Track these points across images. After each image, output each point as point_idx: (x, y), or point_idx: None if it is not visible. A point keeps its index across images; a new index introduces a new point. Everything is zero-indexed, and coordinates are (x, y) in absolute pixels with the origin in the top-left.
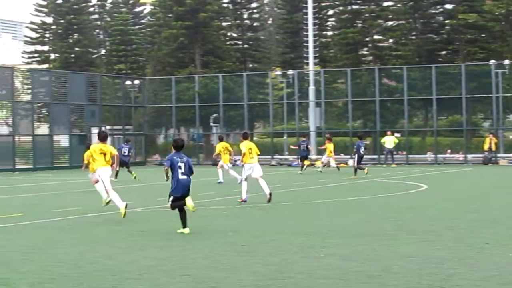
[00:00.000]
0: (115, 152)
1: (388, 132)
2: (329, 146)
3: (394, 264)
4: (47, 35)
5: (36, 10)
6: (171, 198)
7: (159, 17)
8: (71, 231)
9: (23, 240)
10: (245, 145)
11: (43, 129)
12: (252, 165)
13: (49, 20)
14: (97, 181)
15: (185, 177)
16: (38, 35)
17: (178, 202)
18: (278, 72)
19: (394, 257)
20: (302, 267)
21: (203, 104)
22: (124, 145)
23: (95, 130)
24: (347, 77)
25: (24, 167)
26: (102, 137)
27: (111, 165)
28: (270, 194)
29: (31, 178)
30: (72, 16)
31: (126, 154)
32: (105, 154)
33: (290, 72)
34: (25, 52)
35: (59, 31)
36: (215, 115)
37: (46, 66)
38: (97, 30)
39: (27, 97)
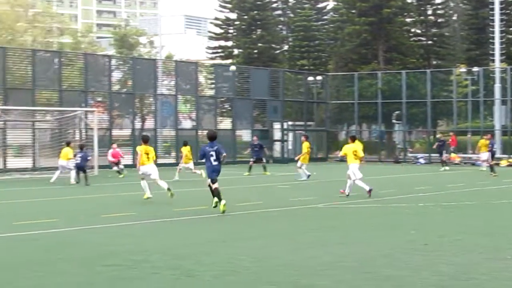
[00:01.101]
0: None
1: None
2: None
3: None
4: (230, 31)
5: (220, 6)
6: (208, 180)
7: (342, 13)
8: (253, 225)
9: (206, 233)
10: (348, 148)
11: (225, 123)
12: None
13: (233, 16)
14: (143, 178)
15: (216, 163)
16: (222, 31)
17: (212, 187)
18: (463, 69)
19: None
20: (487, 268)
21: (385, 100)
22: (78, 152)
23: (277, 126)
24: None
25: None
26: (145, 140)
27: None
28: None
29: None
30: (255, 12)
31: (79, 161)
32: (148, 154)
33: (475, 69)
34: (209, 48)
35: (243, 26)
36: (397, 112)
37: (229, 61)
38: (280, 26)
39: (211, 92)
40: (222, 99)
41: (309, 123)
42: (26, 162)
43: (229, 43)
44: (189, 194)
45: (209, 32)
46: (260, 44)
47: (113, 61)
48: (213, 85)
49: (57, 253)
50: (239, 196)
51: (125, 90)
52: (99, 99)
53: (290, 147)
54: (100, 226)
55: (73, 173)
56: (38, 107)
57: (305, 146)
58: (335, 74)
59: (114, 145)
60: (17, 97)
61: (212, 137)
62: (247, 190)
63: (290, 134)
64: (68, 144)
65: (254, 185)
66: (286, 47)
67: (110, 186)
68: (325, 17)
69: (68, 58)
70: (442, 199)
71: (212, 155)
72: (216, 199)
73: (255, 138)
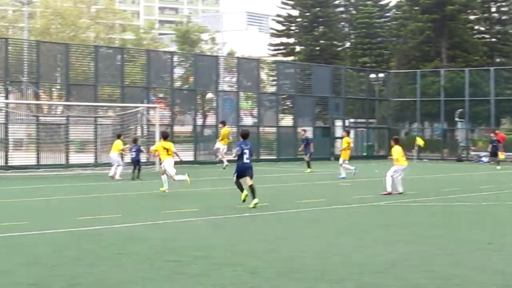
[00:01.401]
0: (174, 148)
1: None
2: None
3: None
4: (292, 28)
5: (283, 3)
6: (235, 175)
7: (405, 10)
8: (316, 222)
9: (269, 230)
10: (397, 151)
11: (287, 120)
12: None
13: (295, 13)
14: (164, 173)
15: (248, 161)
16: (284, 28)
17: (239, 181)
18: None
19: None
20: None
21: (448, 98)
22: (133, 146)
23: (338, 123)
24: None
25: (268, 157)
26: (165, 136)
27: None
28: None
29: (275, 168)
30: (317, 9)
31: (134, 155)
32: (167, 150)
33: None
34: (271, 45)
35: (305, 23)
36: (460, 110)
37: (291, 58)
38: (342, 23)
39: (272, 89)
40: (284, 96)
41: (370, 120)
42: (88, 157)
43: (291, 40)
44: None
45: (271, 29)
46: (322, 41)
47: (175, 58)
48: (274, 82)
49: (119, 248)
50: (301, 193)
51: (186, 86)
52: (161, 95)
53: (351, 144)
54: (162, 222)
55: (119, 169)
56: (100, 103)
57: (345, 141)
58: (397, 71)
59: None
60: (79, 93)
61: (245, 135)
62: (309, 187)
63: (352, 132)
64: (118, 136)
65: (315, 182)
66: (348, 44)
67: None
68: (388, 14)
69: (130, 55)
70: (506, 198)
71: (245, 153)
72: (245, 193)
73: (302, 132)
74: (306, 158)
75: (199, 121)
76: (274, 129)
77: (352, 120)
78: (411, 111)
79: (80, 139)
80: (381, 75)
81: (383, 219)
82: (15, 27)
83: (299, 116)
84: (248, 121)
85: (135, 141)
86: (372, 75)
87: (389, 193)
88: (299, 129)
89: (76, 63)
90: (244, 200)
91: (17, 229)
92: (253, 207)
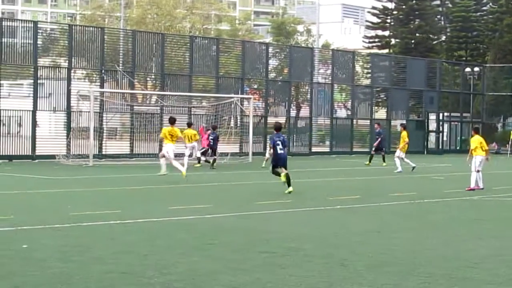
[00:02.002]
0: (180, 134)
1: None
2: None
3: None
4: (388, 21)
5: None
6: (271, 165)
7: (501, 4)
8: (407, 215)
9: (360, 222)
10: (475, 140)
11: (381, 113)
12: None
13: (391, 5)
14: (163, 156)
15: (282, 151)
16: (379, 20)
17: (275, 169)
18: None
19: None
20: None
21: None
22: (212, 133)
23: (432, 116)
24: None
25: (361, 150)
26: (172, 122)
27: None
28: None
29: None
30: (414, 1)
31: (212, 142)
32: (172, 135)
33: None
34: (366, 37)
35: (400, 16)
36: None
37: (386, 51)
38: (438, 16)
39: (367, 81)
40: (378, 89)
41: (465, 114)
42: (180, 147)
43: (386, 33)
44: (343, 183)
45: (367, 21)
46: (417, 34)
47: (270, 49)
48: (369, 75)
49: (211, 239)
50: (393, 186)
51: (281, 78)
52: (255, 86)
53: (445, 138)
54: (255, 213)
55: (186, 159)
56: (194, 93)
57: (404, 135)
58: (492, 65)
59: (210, 131)
60: (174, 83)
61: (278, 128)
62: (401, 180)
63: (445, 125)
64: (189, 125)
65: (407, 175)
66: (443, 38)
67: (262, 173)
68: (484, 8)
69: (225, 45)
70: None
71: (278, 144)
72: (283, 178)
73: (376, 125)
74: (373, 152)
75: (293, 113)
76: (367, 122)
77: (446, 113)
78: (506, 105)
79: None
80: (476, 69)
81: (475, 213)
82: (112, 17)
83: (393, 109)
84: (341, 113)
85: (214, 128)
86: (467, 69)
87: (472, 189)
88: (376, 125)
89: (171, 53)
90: (284, 182)
91: (110, 218)
92: (289, 193)
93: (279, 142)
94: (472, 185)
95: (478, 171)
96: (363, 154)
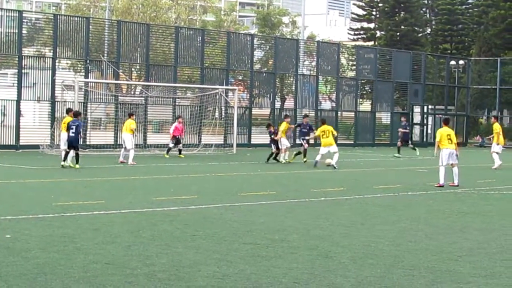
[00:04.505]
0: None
1: None
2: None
3: None
4: (373, 13)
5: None
6: None
7: None
8: (392, 208)
9: (345, 214)
10: (442, 132)
11: (365, 105)
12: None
13: None
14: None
15: None
16: (365, 13)
17: None
18: None
19: None
20: None
21: None
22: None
23: (417, 109)
24: None
25: (345, 142)
26: (129, 115)
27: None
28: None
29: (352, 153)
30: None
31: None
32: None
33: None
34: (351, 29)
35: (386, 9)
36: None
37: (371, 43)
38: (423, 9)
39: (352, 74)
40: (363, 81)
41: (449, 107)
42: (165, 138)
43: (372, 25)
44: (327, 175)
45: (352, 13)
46: (403, 27)
47: (255, 40)
48: (354, 67)
49: (195, 230)
50: (378, 178)
51: (266, 69)
52: (240, 77)
53: (429, 131)
54: (239, 204)
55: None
56: (179, 84)
57: (495, 127)
58: (477, 58)
59: (180, 119)
60: (158, 74)
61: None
62: (385, 173)
63: (430, 118)
64: (130, 115)
65: (393, 168)
66: (429, 31)
67: (249, 164)
68: (470, 1)
69: (210, 36)
70: None
71: None
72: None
73: (403, 118)
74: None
75: (278, 105)
76: (352, 114)
77: (430, 106)
78: (491, 99)
79: (158, 120)
80: (461, 62)
81: (459, 206)
82: (97, 7)
83: (377, 101)
84: (326, 105)
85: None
86: (452, 62)
87: (441, 186)
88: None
89: (156, 44)
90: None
91: (94, 208)
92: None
93: None
94: (441, 182)
95: (452, 165)
96: (347, 146)
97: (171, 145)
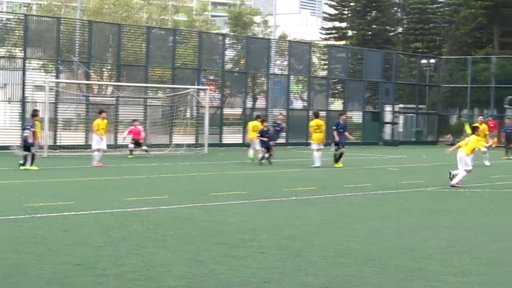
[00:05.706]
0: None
1: None
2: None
3: None
4: (345, 12)
5: None
6: None
7: None
8: (363, 207)
9: (315, 214)
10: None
11: (337, 104)
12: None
13: None
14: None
15: None
16: (336, 12)
17: None
18: None
19: None
20: None
21: (499, 85)
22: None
23: (388, 108)
24: None
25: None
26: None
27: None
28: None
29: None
30: None
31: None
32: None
33: None
34: (323, 28)
35: (358, 8)
36: (510, 97)
37: (343, 42)
38: (395, 8)
39: (323, 73)
40: (335, 80)
41: (420, 106)
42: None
43: (343, 24)
44: (298, 174)
45: (324, 12)
46: (374, 26)
47: (227, 40)
48: (326, 66)
49: (166, 230)
50: (348, 178)
51: (237, 69)
52: (212, 77)
53: (400, 130)
54: (210, 204)
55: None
56: (150, 84)
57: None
58: (448, 57)
59: (136, 123)
60: (130, 74)
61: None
62: (356, 172)
63: (401, 117)
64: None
65: (364, 167)
66: (400, 30)
67: (221, 164)
68: (441, 0)
69: (182, 36)
70: None
71: None
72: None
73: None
74: None
75: (249, 104)
76: (323, 113)
77: (401, 105)
78: (461, 97)
79: (129, 120)
80: (432, 61)
81: (429, 204)
82: (68, 7)
83: (349, 101)
84: (298, 104)
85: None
86: (423, 61)
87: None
88: None
89: (127, 44)
90: None
91: (64, 209)
92: None
93: None
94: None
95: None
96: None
97: (131, 145)
